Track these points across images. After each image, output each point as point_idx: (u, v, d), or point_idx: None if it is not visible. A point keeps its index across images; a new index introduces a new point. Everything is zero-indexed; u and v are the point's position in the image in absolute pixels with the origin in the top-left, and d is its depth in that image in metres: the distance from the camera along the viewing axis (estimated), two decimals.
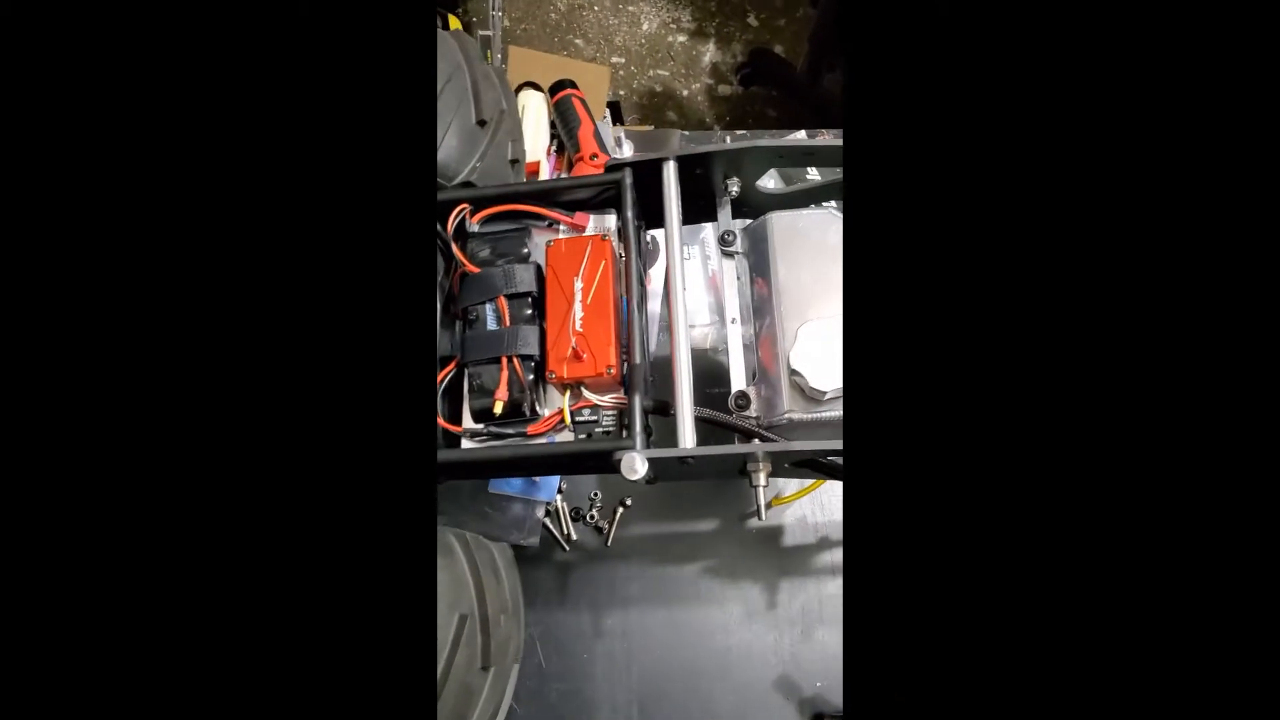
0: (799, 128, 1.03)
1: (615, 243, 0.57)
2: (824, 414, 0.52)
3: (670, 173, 0.57)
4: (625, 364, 0.53)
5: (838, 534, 0.75)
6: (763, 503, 0.50)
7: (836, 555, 0.74)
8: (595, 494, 0.73)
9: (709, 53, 1.75)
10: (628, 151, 0.80)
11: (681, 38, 1.75)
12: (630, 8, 1.77)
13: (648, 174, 0.57)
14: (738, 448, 0.50)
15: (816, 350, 0.50)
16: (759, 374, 0.55)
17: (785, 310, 0.53)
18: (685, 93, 1.70)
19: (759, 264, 0.57)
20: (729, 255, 0.58)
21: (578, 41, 1.74)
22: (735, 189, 0.58)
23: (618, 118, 1.52)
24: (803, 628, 0.71)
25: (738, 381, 0.55)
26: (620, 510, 0.73)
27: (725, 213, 0.60)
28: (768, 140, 0.55)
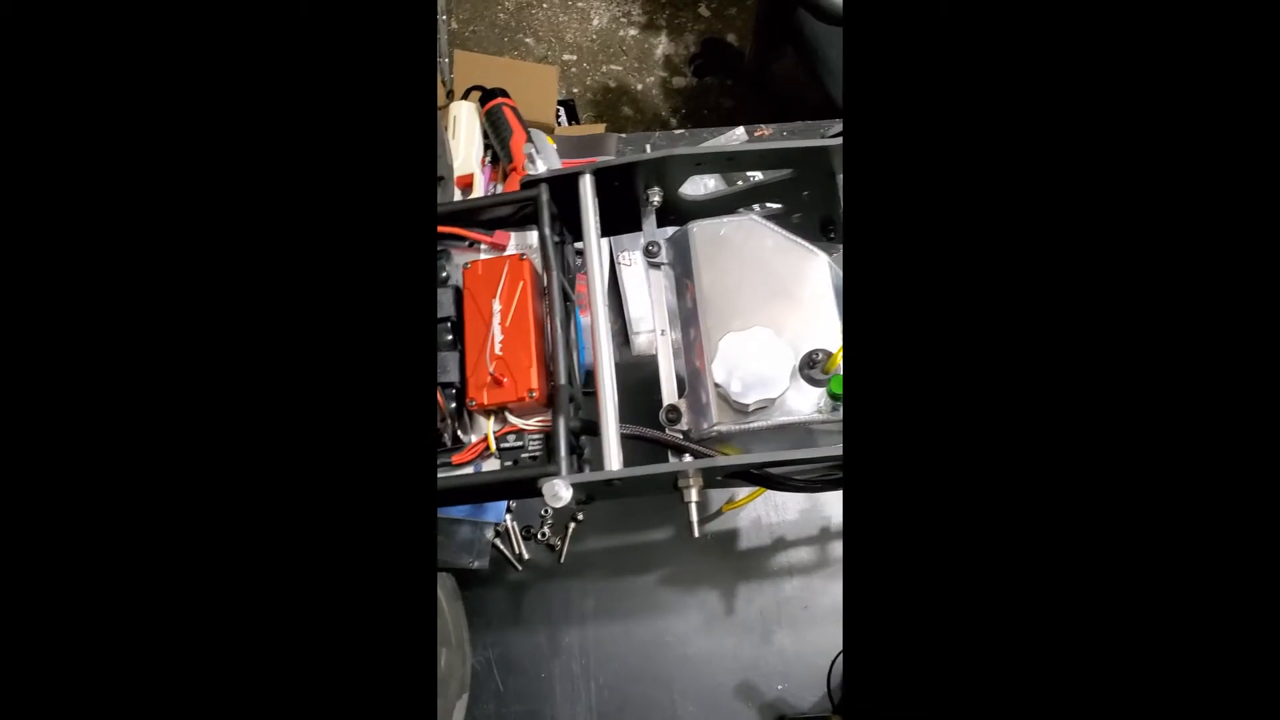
0: (755, 118, 1.02)
1: (537, 260, 0.56)
2: (753, 424, 0.51)
3: (587, 186, 0.55)
4: (551, 385, 0.52)
5: (793, 534, 0.74)
6: (695, 519, 0.49)
7: (792, 556, 0.73)
8: (546, 511, 0.72)
9: (661, 45, 1.73)
10: (542, 166, 0.79)
11: (633, 31, 1.73)
12: (580, 4, 1.75)
13: (566, 188, 0.56)
14: (667, 466, 0.49)
15: (738, 361, 0.49)
16: (688, 386, 0.54)
17: (710, 321, 0.52)
18: (639, 87, 1.69)
19: (684, 274, 0.56)
20: (655, 266, 0.58)
21: (528, 41, 1.72)
22: (657, 199, 0.57)
23: (572, 116, 1.50)
24: (761, 632, 0.70)
25: (668, 395, 0.54)
26: (573, 526, 0.72)
27: (649, 223, 0.58)
28: (683, 150, 0.54)
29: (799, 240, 0.55)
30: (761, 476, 0.52)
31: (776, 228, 0.55)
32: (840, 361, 0.50)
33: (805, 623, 0.71)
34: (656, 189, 0.57)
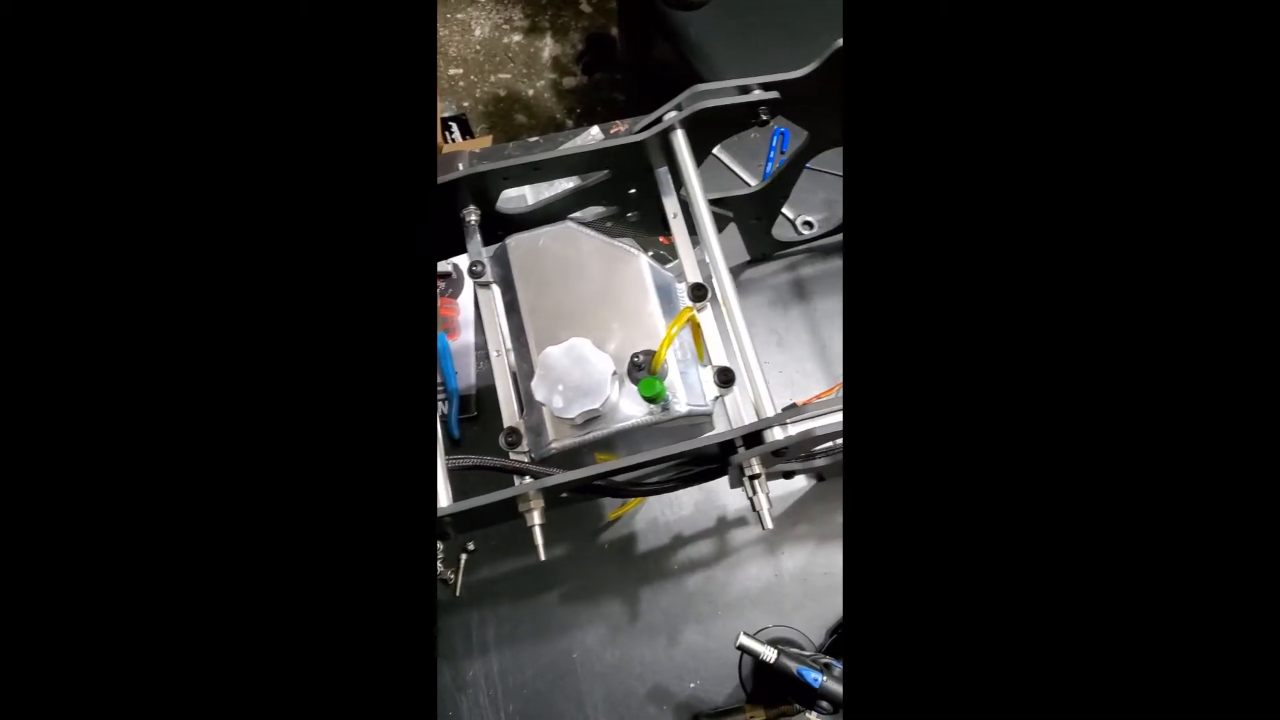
0: (648, 108, 1.01)
1: None
2: (590, 437, 0.50)
3: None
4: None
5: (690, 529, 0.73)
6: (540, 543, 0.48)
7: (692, 552, 0.73)
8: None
9: (548, 47, 1.71)
10: None
11: (517, 37, 1.71)
12: (459, 15, 1.73)
13: None
14: (501, 493, 0.48)
15: (558, 375, 0.48)
16: (526, 406, 0.53)
17: (534, 337, 0.51)
18: (530, 92, 1.67)
19: (509, 290, 0.55)
20: (484, 286, 0.56)
21: None
22: (474, 217, 0.56)
23: (466, 130, 1.48)
24: (669, 633, 0.70)
25: (507, 417, 0.53)
26: (464, 557, 0.70)
27: (473, 243, 0.57)
28: (486, 165, 0.53)
29: (617, 242, 0.54)
30: (606, 487, 0.51)
31: (593, 232, 0.54)
32: (663, 358, 0.49)
33: (711, 617, 0.70)
34: (473, 207, 0.56)
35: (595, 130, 0.87)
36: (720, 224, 0.69)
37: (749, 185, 0.80)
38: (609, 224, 0.63)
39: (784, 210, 0.85)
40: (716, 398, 0.52)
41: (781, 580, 0.72)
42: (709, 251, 0.52)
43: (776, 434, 0.47)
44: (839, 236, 0.83)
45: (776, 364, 0.80)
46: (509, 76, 1.68)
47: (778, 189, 0.68)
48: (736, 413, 0.53)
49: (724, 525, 0.74)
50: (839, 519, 0.75)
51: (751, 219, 0.72)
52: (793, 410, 0.50)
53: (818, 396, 0.80)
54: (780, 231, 0.82)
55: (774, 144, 0.89)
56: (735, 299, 0.50)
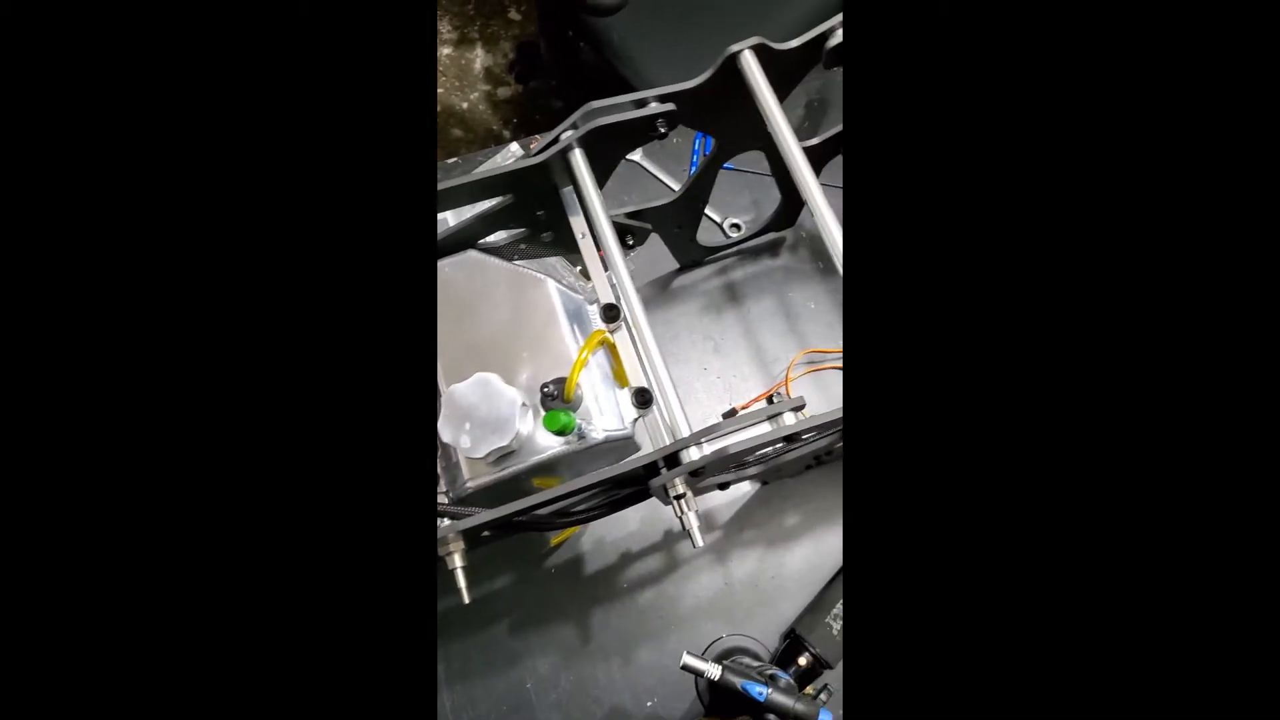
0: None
1: None
2: (508, 472, 0.49)
3: None
4: None
5: (637, 545, 0.73)
6: (463, 585, 0.47)
7: (641, 568, 0.72)
8: None
9: (479, 58, 1.69)
10: None
11: (446, 50, 1.69)
12: None
13: None
14: None
15: (465, 414, 0.47)
16: (440, 446, 0.52)
17: (442, 374, 0.50)
18: (464, 105, 1.65)
19: None
20: None
21: None
22: None
23: None
24: (622, 652, 0.69)
25: None
26: None
27: None
28: None
29: (525, 268, 0.53)
30: (529, 523, 0.50)
31: (497, 259, 0.53)
32: (574, 385, 0.48)
33: (664, 632, 0.69)
34: None
35: (514, 147, 0.85)
36: (640, 235, 0.69)
37: (673, 191, 0.79)
38: (523, 246, 0.62)
39: (711, 214, 0.84)
40: (636, 419, 0.51)
41: (732, 588, 0.72)
42: (614, 271, 0.51)
43: (693, 454, 0.46)
44: (768, 237, 0.83)
45: (714, 370, 0.79)
46: (441, 91, 1.66)
47: (693, 197, 0.67)
48: (658, 433, 0.52)
49: (671, 539, 0.73)
50: (786, 521, 0.74)
51: (673, 228, 0.71)
52: (717, 425, 0.49)
53: (756, 399, 0.80)
54: (708, 236, 0.81)
55: (696, 148, 0.88)
56: (644, 318, 0.49)
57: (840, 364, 0.79)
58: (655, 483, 0.47)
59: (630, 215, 0.66)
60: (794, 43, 0.53)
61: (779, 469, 0.66)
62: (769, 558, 0.73)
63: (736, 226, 0.83)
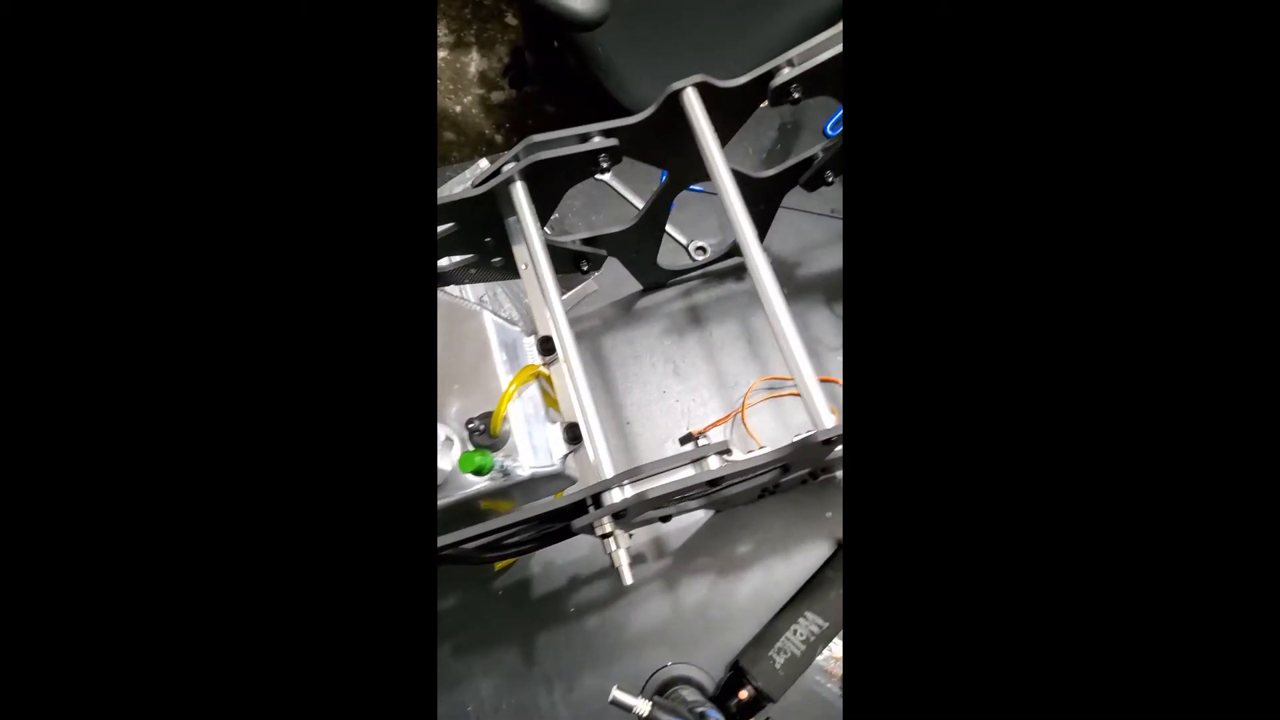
0: (580, 119, 0.99)
1: None
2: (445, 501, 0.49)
3: None
4: None
5: (586, 569, 0.72)
6: None
7: (589, 592, 0.72)
8: None
9: (474, 62, 1.69)
10: None
11: (442, 53, 1.69)
12: None
13: None
14: None
15: None
16: None
17: None
18: (458, 109, 1.65)
19: None
20: None
21: None
22: None
23: None
24: (567, 677, 0.69)
25: None
26: None
27: None
28: None
29: (459, 298, 0.53)
30: (456, 556, 0.50)
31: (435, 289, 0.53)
32: (500, 420, 0.48)
33: (609, 658, 0.69)
34: None
35: (483, 163, 0.85)
36: (595, 261, 0.68)
37: (637, 208, 0.79)
38: (473, 270, 0.62)
39: (677, 236, 0.84)
40: (566, 455, 0.51)
41: (680, 616, 0.72)
42: (549, 304, 0.50)
43: (615, 496, 0.46)
44: (733, 260, 0.82)
45: (673, 393, 0.79)
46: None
47: (648, 224, 0.66)
48: (588, 470, 0.52)
49: None
50: (738, 550, 0.74)
51: (630, 253, 0.71)
52: (640, 469, 0.48)
53: (713, 425, 0.79)
54: (673, 259, 0.81)
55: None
56: (575, 354, 0.49)
57: (796, 391, 0.78)
58: (577, 523, 0.47)
59: (585, 241, 0.66)
60: (738, 81, 0.52)
61: (728, 499, 0.66)
62: (719, 586, 0.72)
63: (702, 249, 0.83)
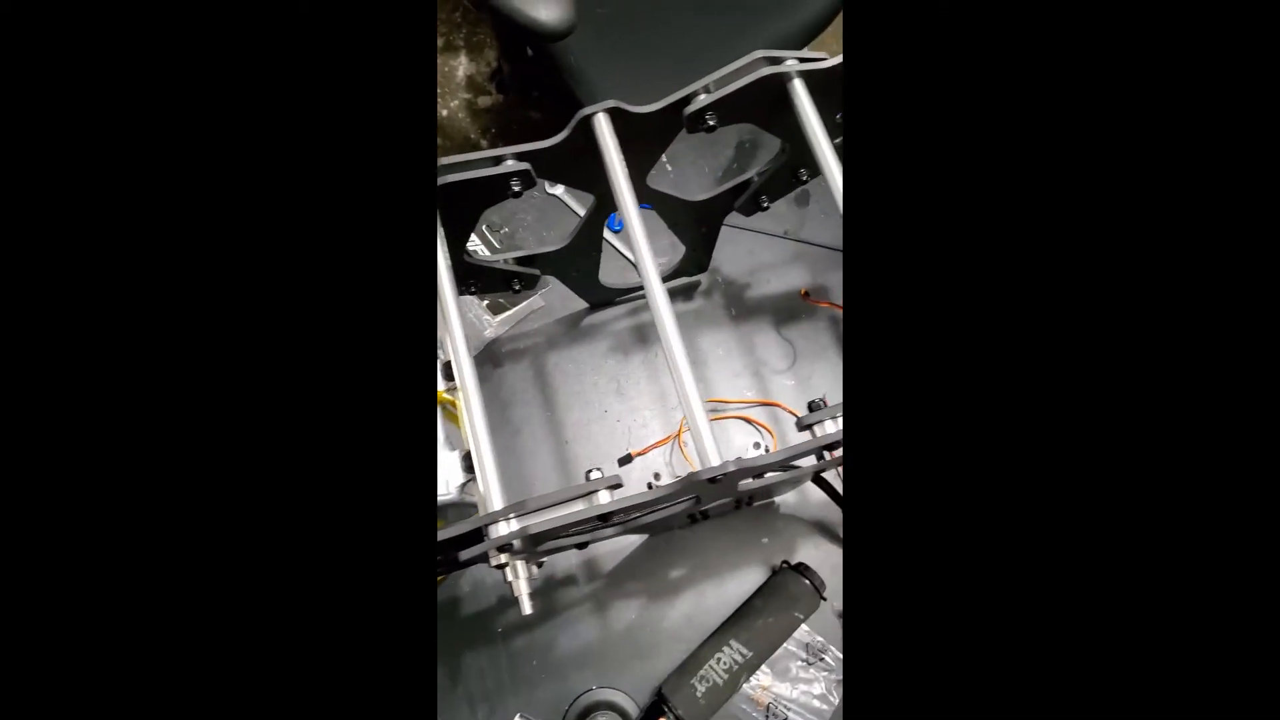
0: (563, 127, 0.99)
1: None
2: None
3: None
4: None
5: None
6: None
7: (518, 612, 0.70)
8: None
9: (462, 66, 1.69)
10: None
11: None
12: None
13: None
14: None
15: None
16: None
17: None
18: (444, 112, 1.65)
19: None
20: None
21: None
22: None
23: None
24: (490, 699, 0.68)
25: None
26: None
27: None
28: None
29: None
30: None
31: None
32: None
33: (534, 681, 0.69)
34: None
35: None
36: (528, 280, 0.68)
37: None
38: None
39: (627, 254, 0.83)
40: (463, 484, 0.50)
41: (609, 639, 0.71)
42: (449, 329, 0.50)
43: (501, 529, 0.46)
44: (682, 280, 0.82)
45: (615, 413, 0.78)
46: None
47: (583, 245, 0.66)
48: (488, 497, 0.52)
49: (551, 585, 0.72)
50: (671, 574, 0.73)
51: (569, 272, 0.70)
52: (524, 502, 0.47)
53: (653, 446, 0.79)
54: (623, 276, 0.80)
55: None
56: (473, 381, 0.49)
57: (741, 414, 0.78)
58: (465, 554, 0.46)
59: (518, 260, 0.66)
60: (650, 107, 0.51)
61: (655, 525, 0.65)
62: (650, 610, 0.72)
63: None
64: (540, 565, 0.70)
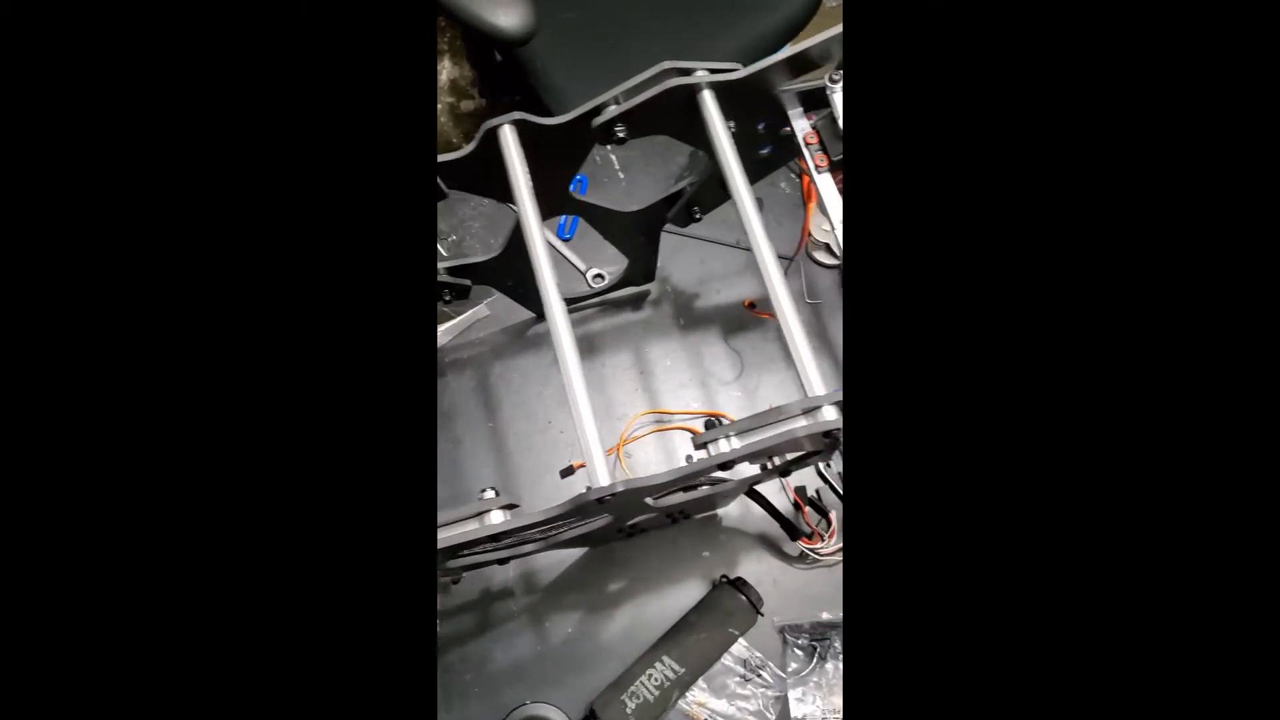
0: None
1: None
2: None
3: None
4: None
5: (452, 601, 0.71)
6: None
7: (453, 624, 0.70)
8: None
9: (445, 70, 1.69)
10: None
11: None
12: None
13: None
14: None
15: None
16: None
17: None
18: None
19: None
20: None
21: None
22: None
23: None
24: None
25: None
26: None
27: None
28: None
29: None
30: None
31: None
32: None
33: (467, 695, 0.68)
34: None
35: None
36: (460, 291, 0.67)
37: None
38: None
39: (576, 263, 0.82)
40: None
41: (545, 653, 0.70)
42: None
43: None
44: (630, 290, 0.81)
45: (558, 424, 0.77)
46: None
47: (516, 256, 0.65)
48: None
49: (488, 597, 0.72)
50: (609, 587, 0.72)
51: (504, 283, 0.69)
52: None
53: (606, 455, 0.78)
54: (571, 286, 0.79)
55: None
56: None
57: (684, 425, 0.77)
58: None
59: (450, 271, 0.65)
60: (559, 119, 0.51)
61: (587, 537, 0.65)
62: (588, 623, 0.71)
63: (600, 277, 0.81)
64: (457, 581, 0.69)
